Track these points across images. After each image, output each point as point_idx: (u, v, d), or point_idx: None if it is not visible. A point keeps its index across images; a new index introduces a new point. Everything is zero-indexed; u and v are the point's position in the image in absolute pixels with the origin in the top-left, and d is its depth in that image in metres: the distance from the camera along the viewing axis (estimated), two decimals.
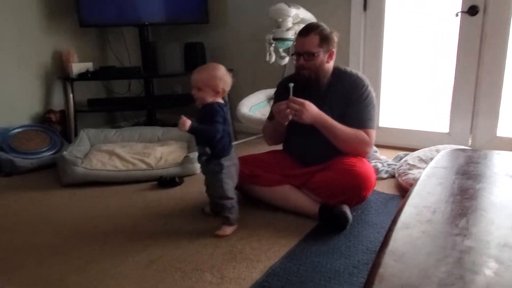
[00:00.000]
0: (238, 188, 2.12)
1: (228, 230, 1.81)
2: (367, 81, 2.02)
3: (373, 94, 2.03)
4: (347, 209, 1.84)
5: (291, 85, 1.87)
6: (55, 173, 2.65)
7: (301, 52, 1.94)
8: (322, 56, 1.93)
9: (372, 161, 2.51)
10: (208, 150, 1.79)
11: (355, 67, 2.98)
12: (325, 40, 1.92)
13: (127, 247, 1.74)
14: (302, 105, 1.84)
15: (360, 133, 1.97)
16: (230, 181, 1.83)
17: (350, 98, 1.97)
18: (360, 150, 2.00)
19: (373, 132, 2.02)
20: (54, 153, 2.91)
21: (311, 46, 1.91)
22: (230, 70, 3.60)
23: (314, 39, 1.90)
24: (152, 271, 1.55)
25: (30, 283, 1.50)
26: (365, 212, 2.00)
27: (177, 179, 2.46)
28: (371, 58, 3.06)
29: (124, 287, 1.46)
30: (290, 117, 1.86)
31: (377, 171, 2.46)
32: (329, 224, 1.84)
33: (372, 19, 3.00)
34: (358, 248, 1.67)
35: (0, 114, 2.91)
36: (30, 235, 1.88)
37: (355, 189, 1.87)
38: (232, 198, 1.83)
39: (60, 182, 2.53)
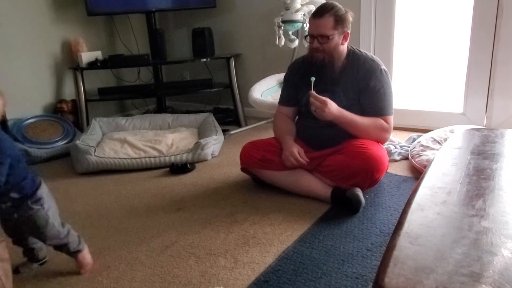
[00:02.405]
0: (249, 172, 2.13)
1: (87, 257, 1.50)
2: (382, 64, 1.98)
3: (389, 77, 1.99)
4: (359, 192, 1.83)
5: (313, 79, 1.85)
6: (69, 162, 2.68)
7: (315, 34, 1.89)
8: (337, 38, 1.89)
9: (385, 143, 2.48)
10: (14, 195, 1.32)
11: (366, 48, 2.92)
12: (340, 21, 1.87)
13: (141, 233, 1.76)
14: (324, 103, 1.82)
15: (379, 121, 1.94)
16: (52, 210, 1.42)
17: (367, 84, 1.93)
18: (380, 138, 1.98)
19: (392, 118, 1.99)
20: (67, 143, 2.94)
21: (326, 29, 1.86)
22: (239, 54, 3.60)
23: (329, 21, 1.86)
24: (166, 256, 1.56)
25: (48, 269, 1.53)
26: (378, 195, 1.98)
27: (188, 166, 2.47)
28: (382, 38, 3.00)
29: (140, 273, 1.47)
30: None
31: (389, 153, 2.43)
32: (341, 207, 1.84)
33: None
34: (372, 231, 1.66)
35: (14, 105, 2.93)
36: None
37: (368, 171, 1.85)
38: (63, 227, 1.44)
39: (74, 171, 2.56)
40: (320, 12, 1.88)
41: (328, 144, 1.98)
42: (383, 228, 1.68)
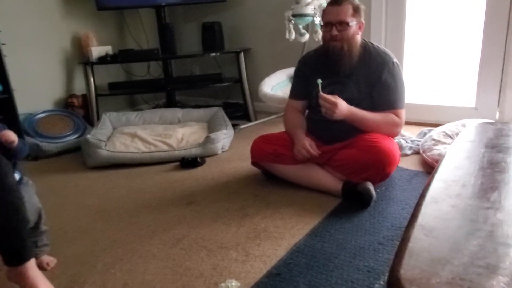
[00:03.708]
0: (260, 166, 2.13)
1: (51, 260, 1.47)
2: (394, 57, 1.97)
3: (401, 70, 1.97)
4: (370, 186, 1.82)
5: (319, 81, 1.83)
6: (80, 157, 2.70)
7: (333, 21, 1.87)
8: (355, 27, 1.88)
9: (396, 137, 2.46)
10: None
11: (377, 42, 2.89)
12: (357, 10, 1.87)
13: (153, 227, 1.77)
14: (334, 104, 1.81)
15: (390, 116, 1.93)
16: None
17: (379, 78, 1.91)
18: (391, 133, 1.97)
19: (403, 112, 1.97)
20: (78, 137, 2.96)
21: (345, 15, 1.85)
22: (248, 49, 3.60)
23: (348, 8, 1.85)
24: (178, 249, 1.58)
25: (62, 262, 1.55)
26: (389, 189, 1.97)
27: (198, 160, 2.47)
28: (393, 31, 2.98)
29: (152, 265, 1.49)
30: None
31: (401, 147, 2.41)
32: (352, 201, 1.83)
33: None
34: (383, 224, 1.66)
35: (25, 100, 2.96)
36: (59, 217, 1.93)
37: (379, 165, 1.84)
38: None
39: (85, 165, 2.59)
40: (338, 0, 1.87)
41: (339, 138, 1.97)
42: (395, 222, 1.67)
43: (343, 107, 1.83)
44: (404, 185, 2.01)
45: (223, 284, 1.32)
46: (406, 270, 0.71)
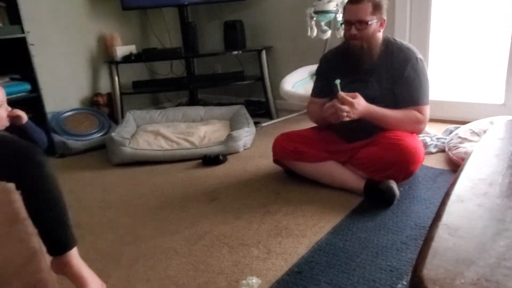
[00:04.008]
0: (281, 164, 2.12)
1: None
2: (418, 53, 1.93)
3: (425, 66, 1.93)
4: (394, 184, 1.79)
5: (338, 81, 1.81)
6: (105, 154, 2.76)
7: (352, 20, 1.85)
8: (375, 24, 1.85)
9: (420, 135, 2.42)
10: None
11: (401, 37, 2.85)
12: (377, 7, 1.83)
13: (175, 223, 1.79)
14: (351, 105, 1.77)
15: (412, 113, 1.89)
16: None
17: (402, 74, 1.88)
18: (414, 130, 1.93)
19: (427, 108, 1.92)
20: (103, 135, 3.03)
21: (364, 14, 1.82)
22: (270, 47, 3.59)
23: (367, 6, 1.82)
24: (200, 246, 1.59)
25: (88, 257, 1.58)
26: (413, 188, 1.94)
27: (220, 157, 2.49)
28: (418, 25, 2.92)
29: (175, 261, 1.51)
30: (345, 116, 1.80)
31: (425, 145, 2.37)
32: (375, 199, 1.81)
33: None
34: (406, 223, 1.63)
35: (53, 99, 3.04)
36: (85, 213, 1.98)
37: (403, 164, 1.81)
38: None
39: (109, 162, 2.64)
40: None
41: (361, 136, 1.94)
42: (418, 221, 1.64)
43: (360, 105, 1.80)
44: (429, 183, 1.98)
45: (244, 281, 1.33)
46: (430, 270, 0.70)
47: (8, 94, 2.56)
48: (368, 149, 1.90)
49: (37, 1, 2.98)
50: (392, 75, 1.90)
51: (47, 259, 1.16)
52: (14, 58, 2.74)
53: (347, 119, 1.80)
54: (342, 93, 1.80)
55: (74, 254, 1.15)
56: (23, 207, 1.13)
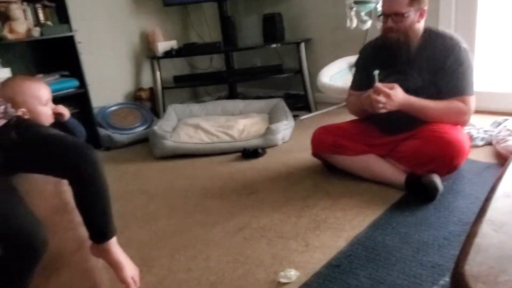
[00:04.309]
0: (320, 157, 2.12)
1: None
2: (462, 42, 1.85)
3: (470, 55, 1.85)
4: (437, 179, 1.74)
5: (376, 72, 1.78)
6: (147, 147, 2.85)
7: (389, 13, 1.81)
8: (413, 16, 1.79)
9: (466, 127, 2.33)
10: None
11: (446, 26, 2.74)
12: None
13: (215, 215, 1.83)
14: (388, 96, 1.74)
15: (455, 104, 1.82)
16: None
17: (444, 64, 1.81)
18: (458, 121, 1.86)
19: (472, 98, 1.84)
20: (146, 128, 3.12)
21: (400, 6, 1.77)
22: (309, 39, 3.56)
23: None
24: (239, 238, 1.62)
25: (132, 245, 1.65)
26: (457, 182, 1.88)
27: (259, 150, 2.51)
28: (464, 13, 2.79)
29: (215, 252, 1.54)
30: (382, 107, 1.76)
31: (471, 138, 2.28)
32: (417, 194, 1.76)
33: None
34: (449, 219, 1.58)
35: (99, 94, 3.16)
36: (129, 204, 2.06)
37: (446, 157, 1.76)
38: None
39: (152, 155, 2.72)
40: None
41: (402, 128, 1.90)
42: (462, 217, 1.59)
43: (397, 97, 1.75)
44: (474, 178, 1.90)
45: (282, 273, 1.34)
46: (472, 266, 0.68)
47: (58, 90, 2.72)
48: (410, 142, 1.86)
49: (83, 1, 3.10)
50: (434, 65, 1.83)
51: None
52: (63, 55, 2.88)
53: (384, 110, 1.76)
54: (379, 84, 1.76)
55: (114, 242, 1.22)
56: (71, 198, 1.20)
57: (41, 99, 1.36)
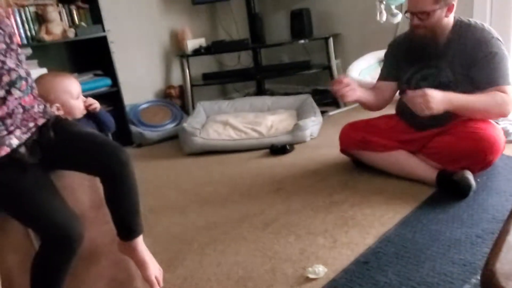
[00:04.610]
0: (348, 154, 2.10)
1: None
2: (495, 32, 1.79)
3: (503, 45, 1.79)
4: (469, 175, 1.70)
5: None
6: (177, 144, 2.91)
7: (414, 11, 1.78)
8: (439, 12, 1.75)
9: (501, 122, 2.25)
10: None
11: (481, 18, 2.65)
12: None
13: (243, 211, 1.86)
14: (425, 98, 1.64)
15: (498, 95, 1.73)
16: None
17: (477, 55, 1.76)
18: (501, 113, 1.77)
19: (510, 88, 1.76)
20: (176, 125, 3.19)
21: (425, 4, 1.73)
22: (337, 34, 3.52)
23: None
24: (267, 233, 1.64)
25: (163, 239, 1.70)
26: (491, 179, 1.83)
27: (287, 147, 2.52)
28: (500, 6, 2.70)
29: (243, 247, 1.57)
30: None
31: (506, 133, 2.20)
32: (448, 191, 1.73)
33: None
34: (483, 217, 1.55)
35: (130, 92, 3.24)
36: (160, 198, 2.11)
37: (479, 154, 1.71)
38: None
39: (182, 152, 2.78)
40: None
41: (433, 124, 1.86)
42: (497, 215, 1.55)
43: (436, 98, 1.66)
44: (510, 174, 1.85)
45: (310, 269, 1.35)
46: (503, 264, 0.67)
47: (91, 89, 2.81)
48: (442, 138, 1.82)
49: (115, 1, 3.18)
50: (466, 58, 1.78)
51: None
52: (96, 55, 2.97)
53: (427, 113, 1.67)
54: (409, 92, 1.71)
55: (140, 241, 1.26)
56: None
57: (72, 93, 1.44)
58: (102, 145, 1.17)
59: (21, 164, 1.11)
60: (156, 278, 1.27)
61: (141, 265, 1.26)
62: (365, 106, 2.05)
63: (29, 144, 1.13)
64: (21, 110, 1.14)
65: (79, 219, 1.14)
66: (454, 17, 1.83)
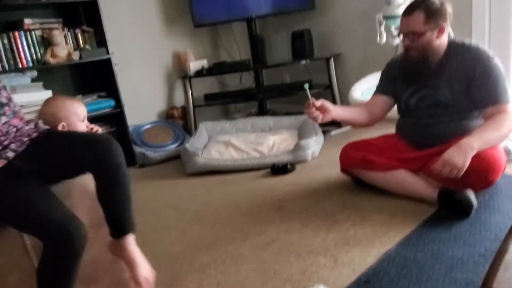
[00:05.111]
0: (349, 173, 2.11)
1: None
2: (489, 51, 1.82)
3: (499, 63, 1.81)
4: (471, 194, 1.70)
5: (307, 85, 1.83)
6: (180, 164, 2.92)
7: (405, 32, 1.82)
8: (430, 34, 1.78)
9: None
10: None
11: (479, 38, 2.70)
12: (432, 16, 1.76)
13: (244, 230, 1.85)
14: (449, 163, 1.63)
15: (500, 117, 1.73)
16: None
17: (474, 73, 1.78)
18: (510, 132, 1.78)
19: (510, 106, 1.78)
20: (178, 146, 3.21)
21: (416, 25, 1.77)
22: (338, 54, 3.56)
23: (419, 17, 1.76)
24: (268, 253, 1.63)
25: (165, 258, 1.70)
26: (494, 198, 1.82)
27: (289, 166, 2.52)
28: (498, 26, 2.74)
29: (244, 267, 1.56)
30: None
31: (508, 152, 2.20)
32: (450, 209, 1.72)
33: None
34: (485, 236, 1.54)
35: (134, 113, 3.28)
36: (162, 218, 2.11)
37: (481, 173, 1.71)
38: None
39: (184, 172, 2.79)
40: (409, 9, 1.80)
41: (434, 142, 1.87)
42: (499, 234, 1.54)
43: (457, 156, 1.62)
44: None
45: None
46: (501, 283, 0.67)
47: (95, 110, 2.85)
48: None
49: (119, 25, 3.25)
50: (464, 76, 1.81)
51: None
52: (100, 77, 3.02)
53: (462, 171, 1.63)
54: (435, 167, 1.68)
55: (131, 239, 1.28)
56: None
57: (80, 116, 1.55)
58: (94, 140, 1.21)
59: (19, 173, 1.15)
60: (146, 279, 1.28)
61: (131, 265, 1.26)
62: (350, 123, 2.06)
63: (25, 154, 1.17)
64: (14, 129, 1.19)
65: (81, 222, 1.16)
66: (448, 39, 1.86)
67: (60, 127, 1.49)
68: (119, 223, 1.25)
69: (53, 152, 1.20)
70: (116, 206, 1.24)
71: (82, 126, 1.56)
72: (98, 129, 1.62)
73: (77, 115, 1.54)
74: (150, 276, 1.29)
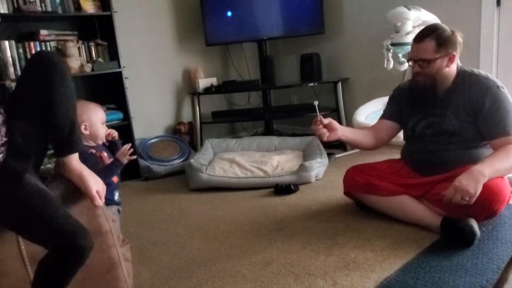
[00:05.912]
0: (352, 196, 2.10)
1: None
2: (497, 81, 1.83)
3: (507, 93, 1.82)
4: (474, 223, 1.68)
5: (316, 103, 1.92)
6: (184, 179, 2.93)
7: (415, 59, 1.84)
8: (440, 62, 1.80)
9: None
10: None
11: (487, 69, 2.72)
12: (442, 44, 1.78)
13: (244, 248, 1.84)
14: (461, 190, 1.62)
15: (511, 148, 1.73)
16: None
17: (483, 104, 1.78)
18: None
19: None
20: (183, 161, 3.22)
21: (426, 53, 1.79)
22: (346, 79, 3.60)
23: (429, 44, 1.78)
24: (267, 272, 1.62)
25: (163, 272, 1.69)
26: (497, 228, 1.80)
27: (292, 187, 2.52)
28: (506, 56, 2.76)
29: (242, 285, 1.55)
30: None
31: None
32: (453, 238, 1.70)
33: (508, 15, 2.70)
34: (487, 266, 1.51)
35: (141, 126, 3.32)
36: (163, 232, 2.11)
37: (485, 203, 1.69)
38: None
39: (187, 187, 2.79)
40: (420, 36, 1.82)
41: (438, 170, 1.86)
42: (502, 265, 1.51)
43: (467, 181, 1.61)
44: None
45: None
46: None
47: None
48: (446, 185, 1.80)
49: (132, 40, 3.32)
50: (471, 106, 1.81)
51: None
52: (110, 89, 3.06)
53: (475, 197, 1.62)
54: (446, 196, 1.67)
55: (75, 157, 1.31)
56: (106, 221, 1.27)
57: (101, 119, 1.81)
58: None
59: (19, 176, 1.15)
60: (98, 192, 1.30)
61: (80, 180, 1.29)
62: (355, 145, 2.06)
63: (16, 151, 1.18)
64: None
65: (86, 229, 1.18)
66: (457, 67, 1.88)
67: (82, 127, 1.70)
68: (63, 139, 1.27)
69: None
70: (56, 129, 1.25)
71: (102, 128, 1.81)
72: (115, 134, 1.85)
73: (99, 117, 1.79)
74: (102, 190, 1.32)
